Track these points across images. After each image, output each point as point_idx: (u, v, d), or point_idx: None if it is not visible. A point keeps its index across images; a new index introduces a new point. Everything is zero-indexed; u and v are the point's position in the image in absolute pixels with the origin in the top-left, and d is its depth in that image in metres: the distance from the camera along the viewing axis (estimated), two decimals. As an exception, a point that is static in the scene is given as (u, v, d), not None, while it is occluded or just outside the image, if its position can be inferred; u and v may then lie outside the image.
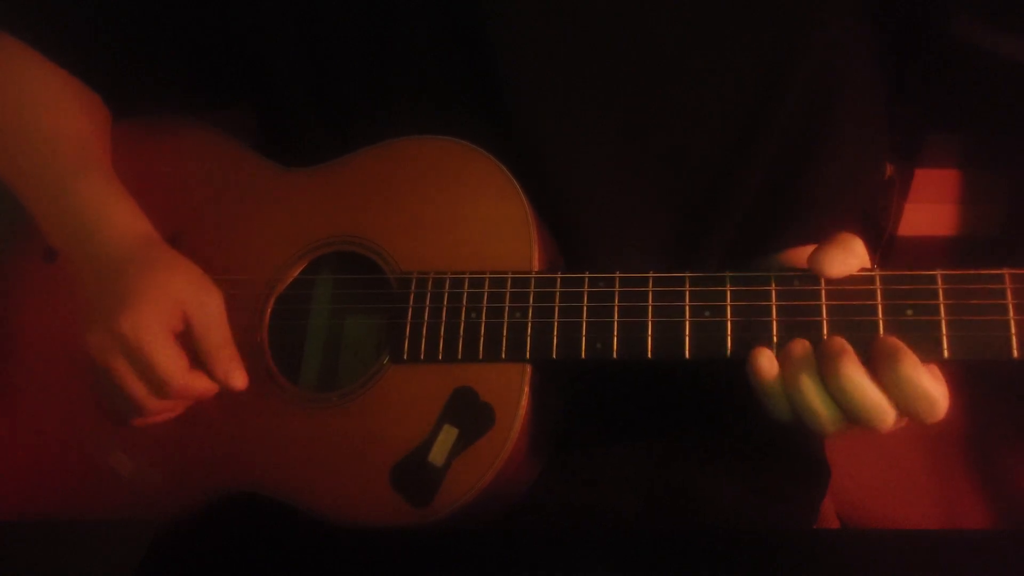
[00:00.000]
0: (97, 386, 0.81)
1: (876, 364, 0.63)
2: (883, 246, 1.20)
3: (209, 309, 0.79)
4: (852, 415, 0.63)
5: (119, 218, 0.83)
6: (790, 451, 0.93)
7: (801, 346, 0.66)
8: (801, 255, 0.70)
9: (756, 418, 0.90)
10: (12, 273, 0.95)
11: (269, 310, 0.84)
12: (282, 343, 0.84)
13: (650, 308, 0.71)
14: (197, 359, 0.78)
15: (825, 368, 0.63)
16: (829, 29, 0.80)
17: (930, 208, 1.28)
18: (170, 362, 0.76)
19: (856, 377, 0.62)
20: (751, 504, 0.89)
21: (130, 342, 0.75)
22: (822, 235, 0.83)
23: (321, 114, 0.89)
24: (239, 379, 0.79)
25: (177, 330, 0.78)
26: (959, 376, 0.66)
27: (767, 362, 0.66)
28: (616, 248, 0.84)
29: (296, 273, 0.84)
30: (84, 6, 0.88)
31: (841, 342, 0.65)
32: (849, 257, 0.66)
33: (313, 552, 0.72)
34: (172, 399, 0.78)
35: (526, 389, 0.74)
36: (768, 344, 0.68)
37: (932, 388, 0.62)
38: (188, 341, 0.78)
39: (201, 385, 0.78)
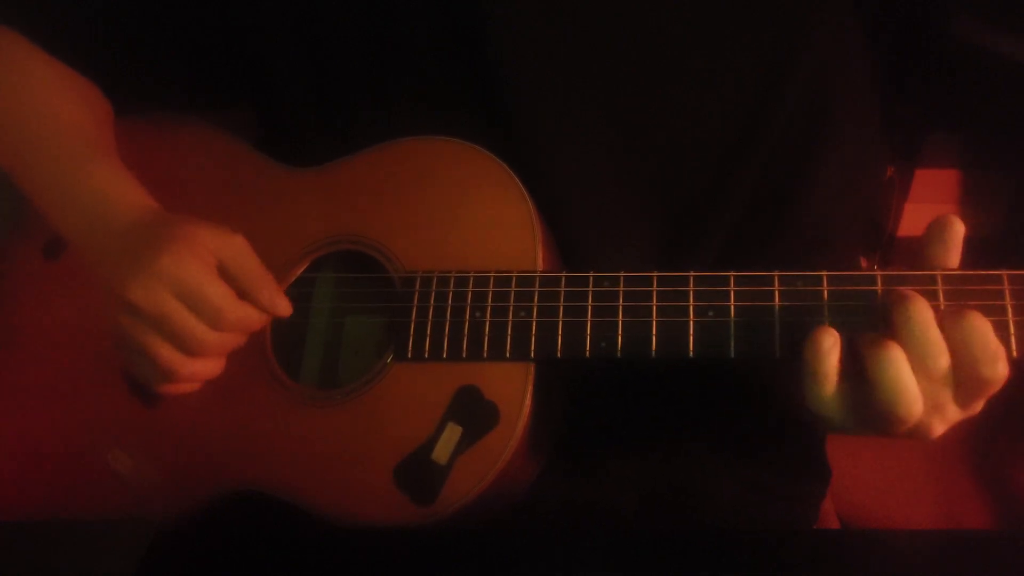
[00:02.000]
0: (134, 352, 0.79)
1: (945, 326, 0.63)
2: (883, 246, 1.20)
3: (237, 246, 0.79)
4: (968, 365, 0.62)
5: (130, 197, 0.83)
6: (790, 451, 0.93)
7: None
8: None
9: (756, 418, 0.90)
10: (12, 271, 0.95)
11: None
12: (285, 341, 0.84)
13: (654, 308, 0.71)
14: (239, 294, 0.78)
15: (952, 321, 0.62)
16: (828, 29, 0.80)
17: (930, 208, 1.28)
18: (221, 290, 0.76)
19: (977, 319, 0.61)
20: (751, 503, 0.89)
21: (178, 277, 0.75)
22: (822, 235, 0.83)
23: (321, 114, 0.89)
24: (284, 305, 0.80)
25: (215, 272, 0.78)
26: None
27: (831, 340, 0.64)
28: (614, 248, 0.84)
29: (299, 272, 0.85)
30: (85, 4, 0.88)
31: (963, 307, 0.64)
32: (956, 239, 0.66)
33: (313, 552, 0.72)
34: (228, 330, 0.77)
35: (530, 388, 0.74)
36: (771, 345, 0.69)
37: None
38: (226, 279, 0.78)
39: (252, 314, 0.78)
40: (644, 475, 0.88)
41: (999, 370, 0.61)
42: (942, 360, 0.62)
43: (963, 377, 0.62)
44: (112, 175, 0.84)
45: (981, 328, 0.61)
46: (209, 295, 0.75)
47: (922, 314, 0.62)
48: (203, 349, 0.77)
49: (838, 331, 0.65)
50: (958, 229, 0.66)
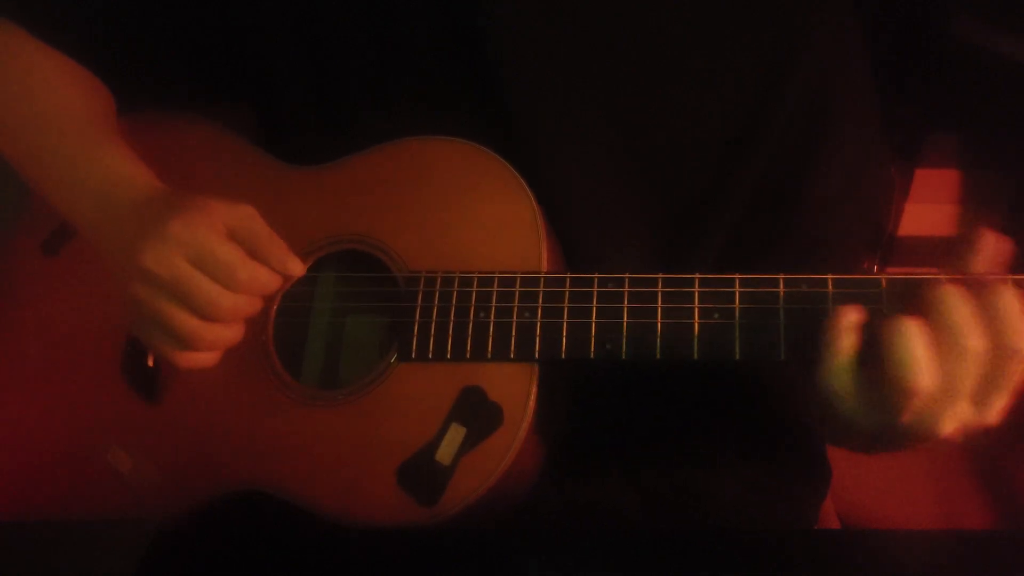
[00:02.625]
0: (151, 323, 0.78)
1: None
2: (883, 246, 1.21)
3: (246, 212, 0.78)
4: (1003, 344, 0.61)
5: (139, 177, 0.83)
6: (790, 451, 0.93)
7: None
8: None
9: (757, 418, 0.91)
10: (11, 268, 0.94)
11: (274, 307, 0.84)
12: (287, 341, 0.84)
13: (659, 309, 0.71)
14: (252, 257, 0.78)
15: (984, 293, 0.62)
16: (828, 30, 0.80)
17: (930, 208, 1.28)
18: (233, 249, 0.76)
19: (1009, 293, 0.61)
20: (752, 504, 0.89)
21: (189, 240, 0.74)
22: (825, 236, 0.83)
23: (322, 114, 0.89)
24: (296, 265, 0.79)
25: (226, 236, 0.77)
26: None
27: (855, 316, 0.64)
28: (615, 248, 0.84)
29: None
30: (87, 1, 0.88)
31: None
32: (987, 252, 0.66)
33: (314, 552, 0.71)
34: (242, 291, 0.76)
35: (534, 389, 0.74)
36: (776, 347, 0.69)
37: None
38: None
39: (265, 274, 0.78)
40: (646, 476, 0.88)
41: None
42: (971, 340, 0.61)
43: (996, 356, 0.61)
44: (119, 157, 0.84)
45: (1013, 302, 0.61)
46: (221, 255, 0.75)
47: (953, 295, 0.62)
48: (219, 312, 0.76)
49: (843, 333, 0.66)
50: (999, 247, 0.66)
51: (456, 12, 0.81)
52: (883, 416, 0.64)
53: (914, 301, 0.63)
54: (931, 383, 0.61)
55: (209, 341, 0.77)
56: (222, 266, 0.75)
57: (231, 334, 0.78)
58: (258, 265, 0.77)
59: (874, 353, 0.63)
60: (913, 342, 0.61)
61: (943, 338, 0.61)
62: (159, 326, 0.77)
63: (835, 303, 0.68)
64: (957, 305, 0.62)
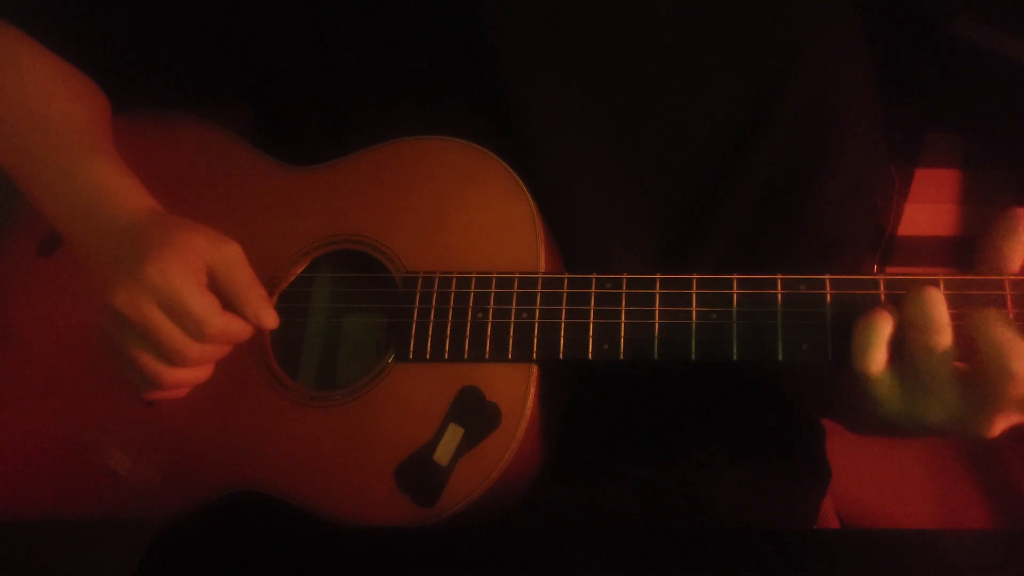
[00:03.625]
0: (120, 356, 0.79)
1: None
2: (883, 246, 1.21)
3: (229, 254, 0.78)
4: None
5: (129, 194, 0.82)
6: (790, 451, 0.93)
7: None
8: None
9: (756, 418, 0.90)
10: (7, 269, 0.94)
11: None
12: (285, 341, 0.84)
13: (657, 310, 0.71)
14: (227, 305, 0.78)
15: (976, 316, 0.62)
16: (830, 31, 0.80)
17: (930, 208, 1.28)
18: (205, 302, 0.75)
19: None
20: (751, 504, 0.89)
21: (161, 287, 0.74)
22: (829, 240, 0.83)
23: (320, 114, 0.89)
24: (270, 318, 0.79)
25: (202, 281, 0.77)
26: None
27: (886, 318, 0.65)
28: (617, 249, 0.84)
29: (299, 271, 0.84)
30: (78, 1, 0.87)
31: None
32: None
33: (313, 552, 0.71)
34: (210, 342, 0.77)
35: (532, 389, 0.74)
36: (773, 348, 0.69)
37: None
38: (214, 289, 0.77)
39: (236, 326, 0.78)
40: (645, 476, 0.88)
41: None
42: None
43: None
44: (109, 170, 0.84)
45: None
46: (191, 306, 0.75)
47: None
48: (184, 360, 0.77)
49: (842, 335, 0.66)
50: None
51: (456, 13, 0.81)
52: (976, 407, 0.64)
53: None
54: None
55: (174, 382, 0.78)
56: (191, 318, 0.75)
57: (197, 375, 0.79)
58: (230, 317, 0.77)
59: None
60: (1004, 328, 0.61)
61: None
62: (126, 362, 0.77)
63: (833, 304, 0.68)
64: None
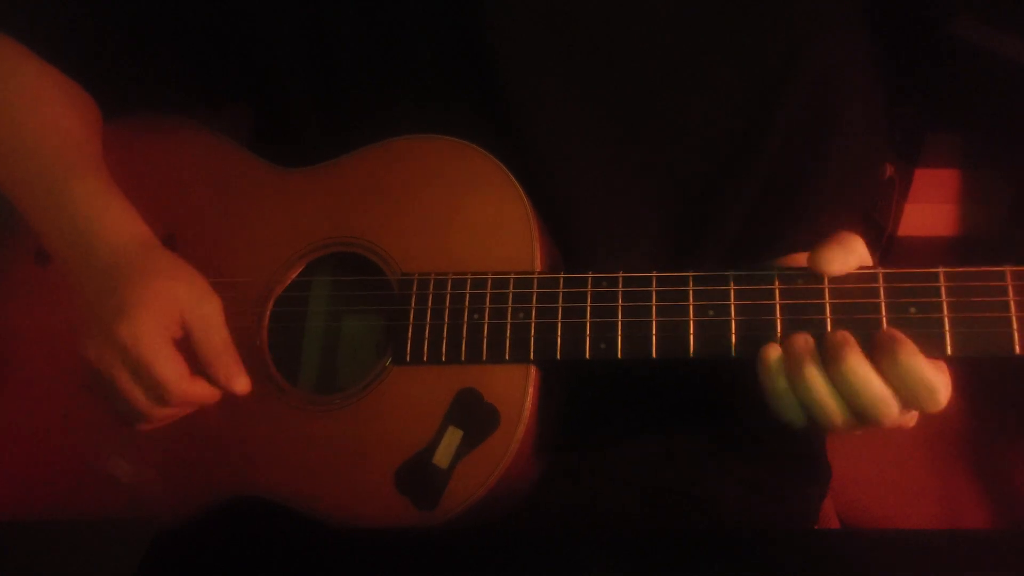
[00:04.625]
0: (98, 390, 0.80)
1: (876, 355, 0.64)
2: (883, 246, 1.21)
3: (207, 315, 0.78)
4: (857, 406, 0.64)
5: (114, 221, 0.82)
6: (790, 451, 0.93)
7: (803, 339, 0.66)
8: (801, 258, 0.70)
9: (757, 418, 0.90)
10: (4, 276, 0.94)
11: (268, 312, 0.84)
12: (282, 346, 0.84)
13: (654, 308, 0.71)
14: (198, 365, 0.78)
15: (829, 359, 0.64)
16: (832, 30, 0.80)
17: (930, 208, 1.28)
18: (170, 370, 0.76)
19: (859, 367, 0.63)
20: (751, 504, 0.89)
21: (129, 351, 0.75)
22: (815, 237, 0.83)
23: (320, 114, 0.89)
24: (241, 383, 0.79)
25: (176, 336, 0.77)
26: (959, 376, 0.66)
27: (775, 356, 0.66)
28: (612, 252, 0.83)
29: (295, 275, 0.84)
30: (76, 3, 0.87)
31: (844, 334, 0.65)
32: (848, 255, 0.67)
33: (314, 552, 0.72)
34: (173, 407, 0.78)
35: (531, 390, 0.74)
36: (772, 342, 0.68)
37: (932, 376, 0.63)
38: (188, 348, 0.78)
39: (202, 391, 0.78)
40: (645, 476, 0.88)
41: (939, 401, 0.63)
42: (892, 409, 0.64)
43: (907, 404, 0.64)
44: (96, 192, 0.84)
45: (917, 366, 0.63)
46: (157, 372, 0.75)
47: (857, 372, 0.64)
48: (146, 421, 0.78)
49: (841, 329, 0.66)
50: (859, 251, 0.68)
51: (456, 13, 0.81)
52: (859, 426, 0.66)
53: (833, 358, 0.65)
54: (898, 410, 0.64)
55: (139, 427, 0.80)
56: (156, 383, 0.75)
57: (162, 422, 0.80)
58: (196, 381, 0.78)
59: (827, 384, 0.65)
60: (866, 376, 0.64)
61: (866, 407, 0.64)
62: (101, 398, 0.79)
63: (831, 298, 0.68)
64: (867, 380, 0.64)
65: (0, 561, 0.70)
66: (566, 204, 0.82)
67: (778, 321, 0.69)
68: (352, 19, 0.86)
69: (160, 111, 0.94)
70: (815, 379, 0.64)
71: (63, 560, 0.70)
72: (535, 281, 0.75)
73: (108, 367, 0.76)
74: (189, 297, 0.78)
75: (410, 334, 0.77)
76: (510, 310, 0.74)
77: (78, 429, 0.86)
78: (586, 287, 0.73)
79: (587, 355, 0.72)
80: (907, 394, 0.63)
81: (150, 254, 0.81)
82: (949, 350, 0.65)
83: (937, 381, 0.63)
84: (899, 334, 0.64)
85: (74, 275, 0.82)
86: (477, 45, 0.81)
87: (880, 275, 0.68)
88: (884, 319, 0.66)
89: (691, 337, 0.70)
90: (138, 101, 0.93)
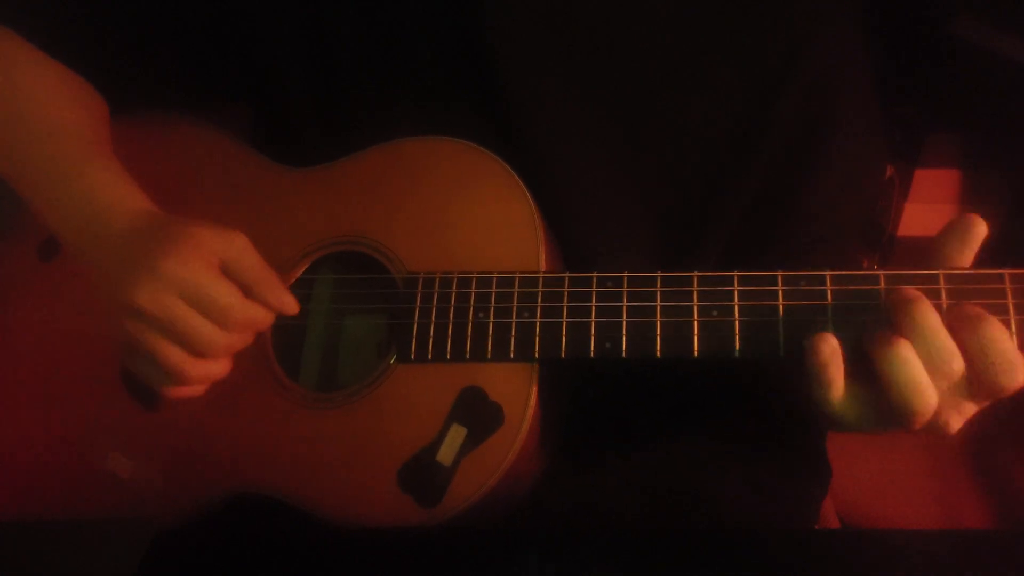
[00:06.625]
0: (140, 355, 0.78)
1: (957, 329, 0.63)
2: (883, 246, 1.21)
3: (241, 247, 0.78)
4: (985, 375, 0.62)
5: (126, 198, 0.82)
6: (791, 451, 0.93)
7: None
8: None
9: (757, 418, 0.90)
10: (7, 273, 0.94)
11: None
12: (286, 343, 0.84)
13: (658, 308, 0.71)
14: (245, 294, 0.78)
15: (967, 327, 0.62)
16: (831, 30, 0.80)
17: (930, 208, 1.28)
18: (229, 289, 0.76)
19: (999, 332, 0.62)
20: (751, 503, 0.89)
21: (184, 278, 0.74)
22: (820, 241, 0.83)
23: (320, 114, 0.89)
24: (291, 303, 0.79)
25: (220, 272, 0.77)
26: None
27: (829, 349, 0.65)
28: (611, 251, 0.83)
29: (300, 273, 0.84)
30: (76, 3, 0.87)
31: (978, 309, 0.64)
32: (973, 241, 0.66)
33: (314, 552, 0.72)
34: (236, 330, 0.77)
35: (534, 388, 0.74)
36: (775, 344, 0.69)
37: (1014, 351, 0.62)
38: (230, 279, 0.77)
39: (259, 312, 0.78)
40: (646, 475, 0.88)
41: (1018, 378, 0.62)
42: (955, 364, 0.62)
43: (979, 381, 0.63)
44: (108, 176, 0.83)
45: (1000, 338, 0.61)
46: (216, 295, 0.75)
47: (928, 319, 0.62)
48: (212, 350, 0.76)
49: (842, 330, 0.66)
50: (980, 230, 0.66)
51: (456, 13, 0.81)
52: (890, 427, 0.65)
53: (900, 312, 0.64)
54: (936, 402, 0.63)
55: (199, 377, 0.78)
56: (218, 306, 0.75)
57: (221, 368, 0.79)
58: (253, 303, 0.77)
59: (869, 370, 0.64)
60: (910, 366, 0.62)
61: (928, 362, 0.62)
62: (151, 362, 0.77)
63: (834, 299, 0.68)
64: (937, 329, 0.63)
65: (0, 561, 0.70)
66: (566, 203, 0.82)
67: (781, 321, 0.69)
68: (352, 19, 0.86)
69: (166, 108, 0.95)
70: (915, 359, 0.62)
71: (63, 560, 0.70)
72: (540, 280, 0.75)
73: (165, 304, 0.74)
74: (216, 235, 0.77)
75: (415, 332, 0.77)
76: (515, 309, 0.75)
77: (81, 425, 0.86)
78: (591, 287, 0.73)
79: (592, 354, 0.72)
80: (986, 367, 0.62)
81: (166, 217, 0.81)
82: None
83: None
84: (981, 310, 0.63)
85: (90, 254, 0.80)
86: (477, 45, 0.81)
87: (881, 276, 0.68)
88: (887, 320, 0.66)
89: (695, 337, 0.70)
90: (139, 99, 0.93)
